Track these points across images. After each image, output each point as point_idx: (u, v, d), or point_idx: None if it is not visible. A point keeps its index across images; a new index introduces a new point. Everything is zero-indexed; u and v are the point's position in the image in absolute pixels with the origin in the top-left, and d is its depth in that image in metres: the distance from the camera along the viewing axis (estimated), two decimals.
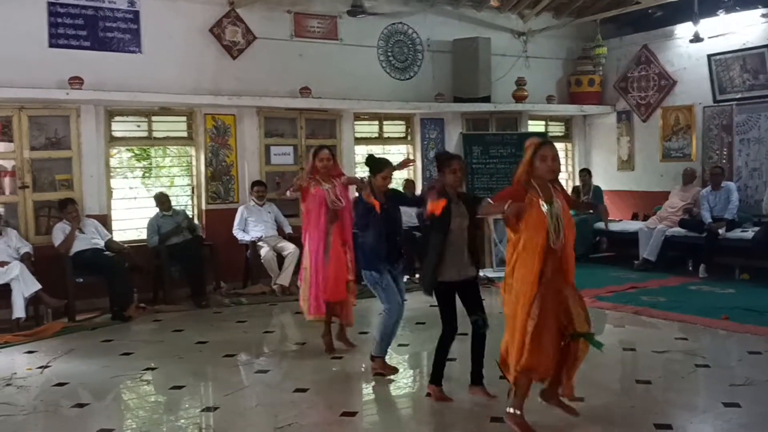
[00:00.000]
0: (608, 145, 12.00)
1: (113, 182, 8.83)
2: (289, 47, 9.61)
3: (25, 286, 7.23)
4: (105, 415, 4.90)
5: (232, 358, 6.15)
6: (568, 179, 12.02)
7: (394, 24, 10.49)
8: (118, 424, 4.68)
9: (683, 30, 10.58)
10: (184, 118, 9.16)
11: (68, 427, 4.71)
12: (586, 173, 11.23)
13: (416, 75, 10.70)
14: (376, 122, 10.67)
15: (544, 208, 4.14)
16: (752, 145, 10.02)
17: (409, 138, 10.93)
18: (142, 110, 8.81)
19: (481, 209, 4.51)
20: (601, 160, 12.11)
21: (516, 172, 4.32)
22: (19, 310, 7.18)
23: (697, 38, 10.09)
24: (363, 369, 5.74)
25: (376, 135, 10.70)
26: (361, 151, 10.22)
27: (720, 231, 9.25)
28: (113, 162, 8.94)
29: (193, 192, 9.32)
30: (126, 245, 8.37)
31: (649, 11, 10.99)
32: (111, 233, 8.42)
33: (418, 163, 10.80)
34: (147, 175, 10.10)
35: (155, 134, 8.99)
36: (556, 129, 12.29)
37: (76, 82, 7.96)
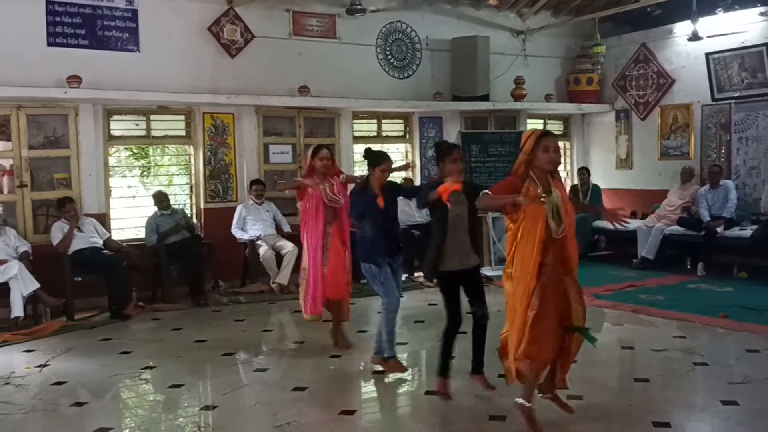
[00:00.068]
0: (607, 143, 12.01)
1: (112, 181, 8.84)
2: (288, 46, 9.60)
3: (23, 284, 7.22)
4: (104, 413, 4.90)
5: (231, 357, 6.15)
6: (566, 178, 12.03)
7: (392, 22, 10.49)
8: (117, 423, 4.68)
9: (682, 28, 10.58)
10: (182, 117, 9.16)
11: (67, 425, 4.71)
12: (584, 172, 11.23)
13: (415, 73, 10.70)
14: (375, 121, 10.67)
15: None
16: (750, 144, 10.03)
17: (407, 136, 10.94)
18: (140, 109, 8.80)
19: (479, 203, 4.45)
20: (599, 158, 12.12)
21: (515, 161, 4.30)
22: (17, 309, 7.17)
23: (695, 37, 10.10)
24: (362, 367, 5.74)
25: (375, 133, 10.70)
26: (360, 150, 10.19)
27: (718, 229, 9.27)
28: (112, 161, 8.95)
29: (191, 191, 9.32)
30: (125, 244, 8.38)
31: (648, 10, 10.99)
32: (109, 232, 8.42)
33: (417, 162, 10.82)
34: (145, 173, 10.11)
35: (154, 133, 8.99)
36: (554, 127, 12.28)
37: (74, 80, 7.95)
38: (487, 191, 4.31)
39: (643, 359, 5.92)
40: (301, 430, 4.45)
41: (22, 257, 7.50)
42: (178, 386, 5.36)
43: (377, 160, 5.44)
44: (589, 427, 4.39)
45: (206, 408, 4.97)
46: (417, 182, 10.58)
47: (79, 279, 7.76)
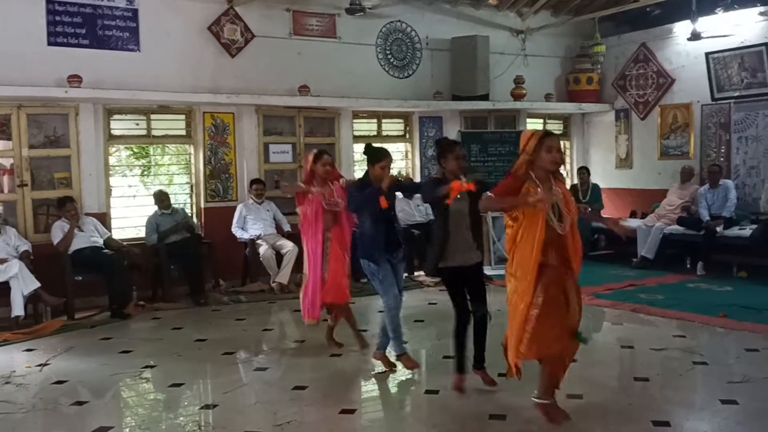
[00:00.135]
0: (606, 143, 12.01)
1: (112, 180, 8.85)
2: (288, 45, 9.61)
3: (24, 284, 7.23)
4: (104, 412, 4.91)
5: (231, 356, 6.16)
6: (566, 177, 12.03)
7: (392, 22, 10.49)
8: (117, 422, 4.68)
9: (681, 28, 10.59)
10: (182, 117, 9.16)
11: (67, 424, 4.71)
12: (584, 171, 11.23)
13: (415, 73, 10.70)
14: (375, 120, 10.68)
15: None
16: (750, 143, 10.04)
17: (407, 136, 10.95)
18: (140, 108, 8.81)
19: (482, 204, 4.48)
20: (599, 158, 12.12)
21: (516, 162, 4.30)
22: (18, 308, 7.18)
23: (695, 36, 10.11)
24: (361, 366, 5.76)
25: (375, 133, 10.70)
26: (360, 149, 10.21)
27: (718, 229, 9.27)
28: (112, 160, 8.95)
29: (192, 190, 9.33)
30: (125, 243, 8.38)
31: (648, 9, 11.00)
32: (110, 231, 8.43)
33: (417, 161, 10.82)
34: (146, 173, 10.11)
35: (154, 132, 8.99)
36: (554, 127, 12.29)
37: (74, 80, 7.96)
38: (488, 193, 4.32)
39: (642, 358, 5.93)
40: (301, 428, 4.46)
41: (23, 256, 7.50)
42: (179, 385, 5.36)
43: (377, 157, 5.41)
44: (588, 426, 4.39)
45: (206, 407, 4.97)
46: (416, 180, 10.59)
47: (80, 278, 7.77)
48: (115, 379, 5.59)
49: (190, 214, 9.10)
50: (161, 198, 8.66)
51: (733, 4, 9.91)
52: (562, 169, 4.43)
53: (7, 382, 5.48)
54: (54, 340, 6.84)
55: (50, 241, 7.82)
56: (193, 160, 9.28)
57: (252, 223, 9.00)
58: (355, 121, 10.31)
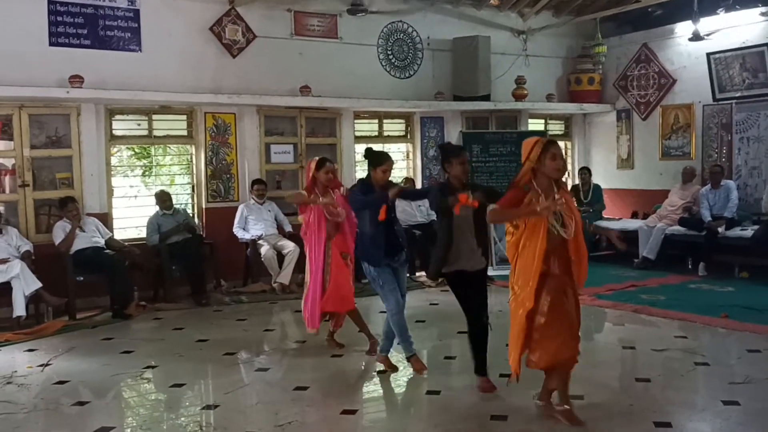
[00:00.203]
0: (608, 143, 12.01)
1: (114, 181, 8.85)
2: (289, 46, 9.61)
3: (25, 284, 7.24)
4: (105, 413, 4.91)
5: (233, 356, 6.16)
6: (567, 177, 12.03)
7: (393, 22, 10.49)
8: (119, 422, 4.68)
9: (683, 28, 10.59)
10: (184, 117, 9.16)
11: (69, 425, 4.71)
12: (585, 172, 11.24)
13: (416, 73, 10.70)
14: (376, 121, 10.68)
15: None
16: (752, 144, 10.03)
17: (408, 136, 10.94)
18: (142, 109, 8.81)
19: (489, 217, 4.53)
20: (600, 158, 12.12)
21: (520, 170, 4.32)
22: (19, 309, 7.18)
23: (696, 37, 10.11)
24: (363, 367, 5.76)
25: (376, 133, 10.71)
26: (361, 150, 10.20)
27: (719, 229, 9.27)
28: (113, 160, 8.96)
29: (193, 190, 9.33)
30: (126, 243, 8.39)
31: (649, 10, 11.00)
32: (111, 232, 8.43)
33: (418, 162, 10.82)
34: (147, 173, 10.11)
35: (155, 133, 9.00)
36: (555, 127, 12.30)
37: (76, 80, 7.96)
38: (493, 206, 4.35)
39: (644, 359, 5.93)
40: (303, 429, 4.46)
41: (24, 257, 7.50)
42: (180, 385, 5.37)
43: (378, 161, 5.41)
44: (590, 426, 4.37)
45: (208, 407, 4.97)
46: (418, 182, 10.61)
47: (81, 278, 7.77)
48: (117, 379, 5.60)
49: (191, 215, 9.11)
50: (163, 198, 8.66)
51: (735, 4, 9.91)
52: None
53: (8, 383, 5.48)
54: (55, 340, 6.85)
55: (52, 241, 7.83)
56: (194, 161, 9.28)
57: (253, 224, 9.00)
58: (356, 121, 10.31)
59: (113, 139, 8.72)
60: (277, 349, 6.64)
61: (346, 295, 6.00)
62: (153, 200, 8.76)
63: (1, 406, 4.94)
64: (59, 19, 8.13)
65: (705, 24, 10.07)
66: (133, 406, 5.19)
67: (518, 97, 11.08)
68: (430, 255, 5.21)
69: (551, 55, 11.91)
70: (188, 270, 8.42)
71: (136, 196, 9.74)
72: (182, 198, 9.33)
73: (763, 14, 9.69)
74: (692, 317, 7.06)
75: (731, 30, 9.99)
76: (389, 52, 10.49)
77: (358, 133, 10.37)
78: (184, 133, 9.23)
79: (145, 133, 8.96)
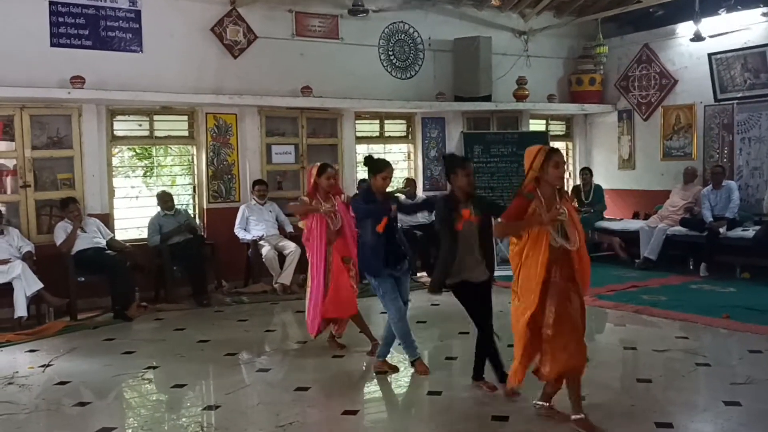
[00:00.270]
0: (609, 143, 12.00)
1: (115, 181, 8.85)
2: (291, 46, 9.61)
3: (26, 284, 7.24)
4: (107, 413, 4.92)
5: (234, 357, 6.16)
6: (568, 178, 12.03)
7: (395, 23, 10.49)
8: (120, 423, 4.69)
9: (684, 29, 10.57)
10: (185, 118, 9.17)
11: (70, 425, 4.72)
12: (586, 172, 11.23)
13: (417, 74, 10.70)
14: (377, 121, 10.68)
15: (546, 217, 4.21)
16: (753, 144, 10.02)
17: (410, 137, 10.94)
18: (143, 109, 8.82)
19: (496, 231, 4.60)
20: (602, 159, 12.11)
21: (524, 180, 4.39)
22: (20, 309, 7.19)
23: (698, 37, 10.09)
24: (364, 367, 5.76)
25: (377, 134, 10.71)
26: (362, 150, 10.23)
27: (721, 230, 9.26)
28: (115, 161, 8.97)
29: (194, 191, 9.33)
30: (128, 244, 8.39)
31: (650, 10, 10.99)
32: (113, 232, 8.43)
33: (419, 162, 10.82)
34: (148, 174, 10.12)
35: (157, 133, 9.01)
36: (556, 128, 12.29)
37: (77, 81, 7.97)
38: (499, 219, 4.39)
39: (645, 360, 5.93)
40: (304, 429, 4.46)
41: (26, 257, 7.51)
42: (181, 386, 5.37)
43: (378, 168, 5.40)
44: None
45: (209, 408, 4.97)
46: (419, 182, 10.61)
47: (83, 279, 7.78)
48: (118, 380, 5.60)
49: (192, 215, 9.11)
50: (164, 199, 8.66)
51: (736, 5, 9.90)
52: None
53: (10, 383, 5.49)
54: (57, 340, 6.85)
55: (53, 242, 7.83)
56: (195, 161, 9.29)
57: (254, 224, 9.00)
58: (357, 122, 10.31)
59: (114, 139, 8.72)
60: (279, 349, 6.64)
61: (347, 299, 5.96)
62: (154, 201, 8.77)
63: (3, 406, 4.95)
64: (60, 19, 8.13)
65: (706, 24, 10.06)
66: (134, 406, 5.19)
67: (519, 97, 11.07)
68: (433, 268, 5.22)
69: (552, 55, 11.91)
70: (189, 271, 8.43)
71: (137, 197, 9.74)
72: (183, 199, 9.33)
73: (764, 14, 9.68)
74: (694, 318, 7.05)
75: (733, 30, 9.97)
76: (390, 53, 10.49)
77: (359, 134, 10.37)
78: (186, 133, 9.23)
79: (147, 133, 8.97)
